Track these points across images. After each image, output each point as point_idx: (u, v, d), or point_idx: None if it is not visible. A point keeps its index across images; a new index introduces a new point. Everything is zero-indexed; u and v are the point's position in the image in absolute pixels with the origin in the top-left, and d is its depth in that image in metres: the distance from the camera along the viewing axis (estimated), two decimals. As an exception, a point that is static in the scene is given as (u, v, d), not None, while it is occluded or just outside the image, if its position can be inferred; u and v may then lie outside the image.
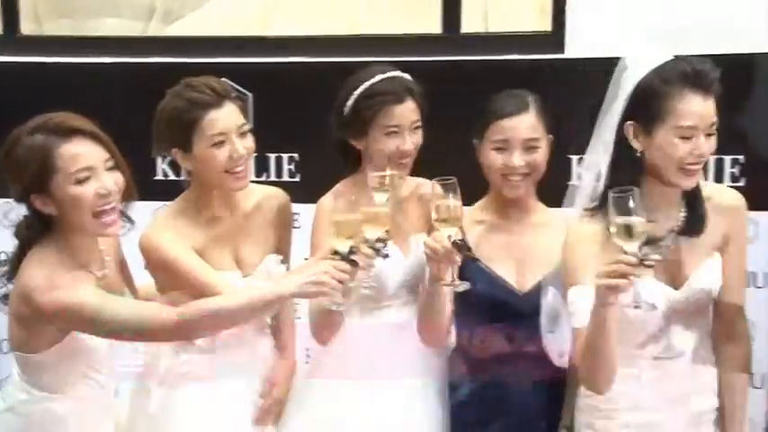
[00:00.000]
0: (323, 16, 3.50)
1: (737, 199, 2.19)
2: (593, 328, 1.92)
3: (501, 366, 2.37)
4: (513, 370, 2.37)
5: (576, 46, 3.10)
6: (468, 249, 2.22)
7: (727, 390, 2.18)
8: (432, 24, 3.17)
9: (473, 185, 2.32)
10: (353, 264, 2.09)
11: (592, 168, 2.19)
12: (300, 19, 3.46)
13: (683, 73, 2.01)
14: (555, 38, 3.15)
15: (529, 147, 2.32)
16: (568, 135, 2.82)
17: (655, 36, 2.96)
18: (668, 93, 2.00)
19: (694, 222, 2.10)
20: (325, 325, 2.34)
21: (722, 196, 2.16)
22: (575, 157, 3.00)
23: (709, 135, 2.02)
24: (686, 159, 2.00)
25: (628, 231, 1.83)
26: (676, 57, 2.05)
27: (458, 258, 2.14)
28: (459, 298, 2.26)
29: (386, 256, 2.18)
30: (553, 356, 2.29)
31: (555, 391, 2.39)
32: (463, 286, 2.20)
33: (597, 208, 2.08)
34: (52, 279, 2.01)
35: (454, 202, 2.14)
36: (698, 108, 1.99)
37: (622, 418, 2.15)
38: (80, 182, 2.02)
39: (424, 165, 2.40)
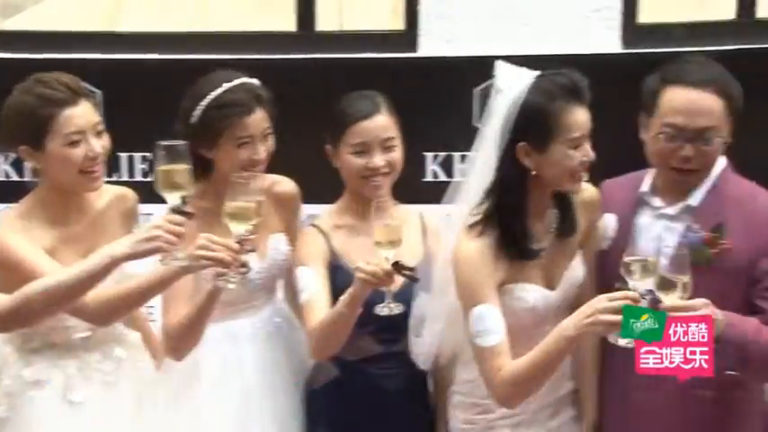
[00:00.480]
0: (175, 12, 3.47)
1: (595, 193, 2.32)
2: (550, 357, 2.01)
3: (370, 366, 2.42)
4: (382, 370, 2.42)
5: (430, 45, 3.14)
6: (410, 269, 2.23)
7: (583, 372, 2.32)
8: (286, 22, 3.17)
9: (327, 184, 2.35)
10: (187, 215, 2.09)
11: (471, 184, 2.25)
12: (152, 15, 3.42)
13: (565, 87, 2.10)
14: (408, 37, 3.19)
15: (387, 146, 2.36)
16: (423, 132, 2.89)
17: (506, 36, 3.11)
18: (556, 109, 2.08)
19: (569, 224, 2.21)
20: (183, 337, 2.32)
21: (582, 193, 2.28)
22: (429, 155, 3.07)
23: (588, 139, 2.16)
24: (579, 167, 2.10)
25: (644, 269, 1.99)
26: (544, 74, 2.14)
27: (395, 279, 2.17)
28: (335, 302, 2.28)
29: (251, 250, 2.19)
30: (418, 360, 2.34)
31: (422, 388, 2.46)
32: (398, 309, 2.23)
33: (484, 226, 2.15)
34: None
35: (394, 223, 2.17)
36: (583, 117, 2.10)
37: (500, 411, 2.25)
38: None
39: (278, 162, 2.41)
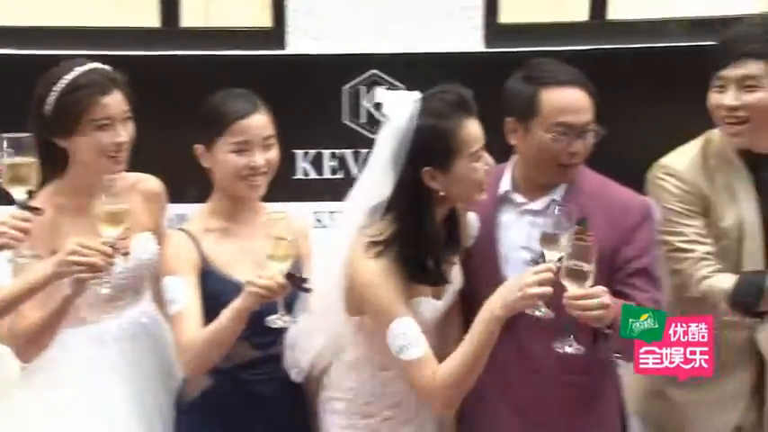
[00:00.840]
0: (34, 6, 3.35)
1: None
2: (482, 344, 2.02)
3: (244, 373, 2.39)
4: (258, 375, 2.39)
5: (298, 42, 3.12)
6: (304, 280, 2.22)
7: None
8: (150, 18, 3.10)
9: (193, 183, 2.33)
10: (34, 210, 2.05)
11: (357, 207, 2.23)
12: (9, 8, 3.28)
13: (454, 103, 2.12)
14: (276, 34, 3.17)
15: (266, 145, 2.34)
16: (292, 130, 2.84)
17: (373, 34, 3.14)
18: (452, 127, 2.10)
19: (456, 237, 2.26)
20: (35, 340, 2.25)
21: None
22: (299, 152, 3.08)
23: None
24: (484, 178, 2.14)
25: (558, 240, 2.09)
26: (428, 94, 2.15)
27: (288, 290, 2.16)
28: (205, 309, 2.25)
29: (125, 253, 2.15)
30: (291, 372, 2.33)
31: (301, 393, 2.44)
32: (292, 321, 2.22)
33: (384, 247, 2.14)
34: None
35: (291, 237, 2.15)
36: (477, 129, 2.12)
37: (385, 413, 2.28)
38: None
39: (143, 160, 2.37)
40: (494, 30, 3.20)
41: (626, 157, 2.64)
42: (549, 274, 2.04)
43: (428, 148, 2.11)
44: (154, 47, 2.94)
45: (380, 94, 2.29)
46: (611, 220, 2.33)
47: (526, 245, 2.32)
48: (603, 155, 2.30)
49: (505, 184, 2.34)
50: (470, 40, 3.12)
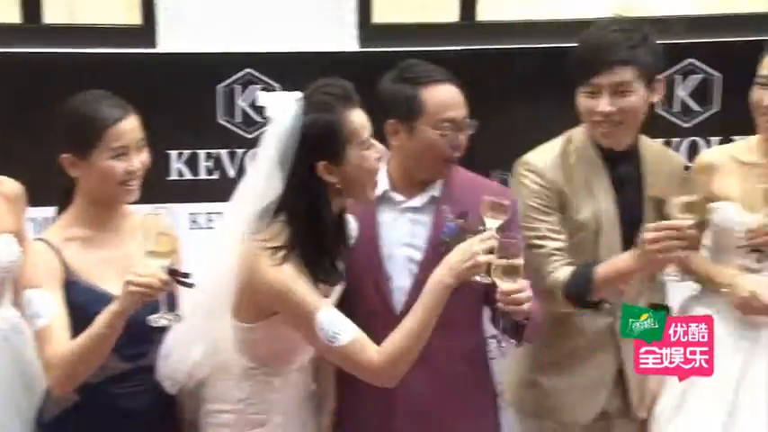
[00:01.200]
0: None
1: None
2: (431, 312, 2.09)
3: (113, 386, 2.32)
4: (128, 388, 2.33)
5: (169, 40, 3.08)
6: (185, 275, 2.18)
7: (323, 370, 2.47)
8: (11, 14, 3.00)
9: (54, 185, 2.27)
10: None
11: (242, 211, 2.22)
12: None
13: (338, 95, 2.14)
14: (146, 32, 3.11)
15: (139, 147, 2.31)
16: (166, 130, 2.85)
17: (247, 33, 3.11)
18: (340, 118, 2.11)
19: (345, 234, 2.30)
20: None
21: None
22: (173, 153, 3.03)
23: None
24: (376, 165, 2.17)
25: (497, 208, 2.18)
26: (312, 89, 2.17)
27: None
28: (73, 321, 2.19)
29: None
30: (165, 384, 2.30)
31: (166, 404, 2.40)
32: (177, 320, 2.18)
33: (288, 251, 2.12)
34: None
35: (173, 233, 2.14)
36: (364, 119, 2.15)
37: (276, 419, 2.28)
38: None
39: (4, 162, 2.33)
40: (367, 30, 3.23)
41: (493, 154, 2.71)
42: (495, 242, 2.12)
43: (319, 143, 2.11)
44: (15, 44, 2.84)
45: (262, 96, 2.29)
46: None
47: (409, 242, 2.36)
48: (471, 152, 2.37)
49: (383, 185, 2.36)
50: (344, 39, 3.15)
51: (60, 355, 2.13)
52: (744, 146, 2.77)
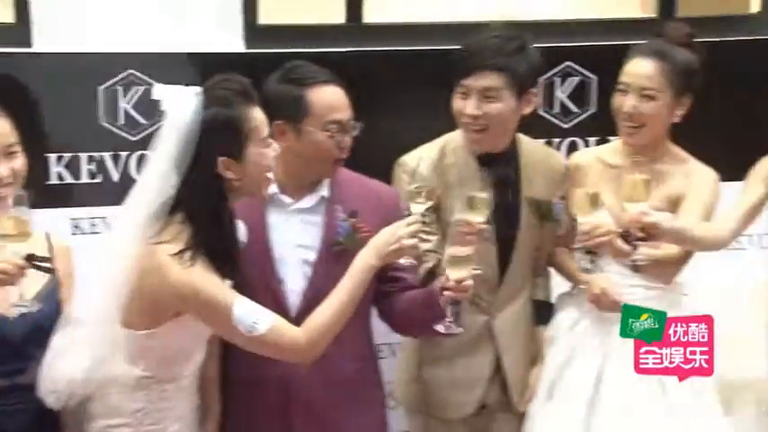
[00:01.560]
0: None
1: None
2: (355, 291, 2.20)
3: None
4: (5, 406, 2.27)
5: (46, 40, 2.99)
6: (46, 260, 2.20)
7: (207, 383, 2.52)
8: None
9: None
10: None
11: (137, 212, 2.19)
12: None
13: (238, 91, 2.15)
14: (20, 30, 3.01)
15: (9, 153, 2.24)
16: (44, 133, 2.84)
17: (130, 33, 3.06)
18: (240, 114, 2.12)
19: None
20: None
21: None
22: (53, 156, 2.98)
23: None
24: (272, 163, 2.18)
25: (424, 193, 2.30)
26: (211, 84, 2.18)
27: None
28: None
29: None
30: (48, 398, 2.23)
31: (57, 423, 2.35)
32: (35, 307, 2.20)
33: (193, 252, 2.13)
34: None
35: (23, 214, 2.11)
36: (262, 116, 2.16)
37: (172, 428, 2.28)
38: None
39: None
40: (253, 30, 3.23)
41: (378, 154, 2.78)
42: (419, 226, 2.24)
43: (221, 138, 2.12)
44: None
45: (158, 90, 2.24)
46: (373, 207, 2.47)
47: (301, 243, 2.40)
48: (357, 153, 2.43)
49: (272, 187, 2.38)
50: (230, 40, 3.15)
51: None
52: (610, 148, 2.94)
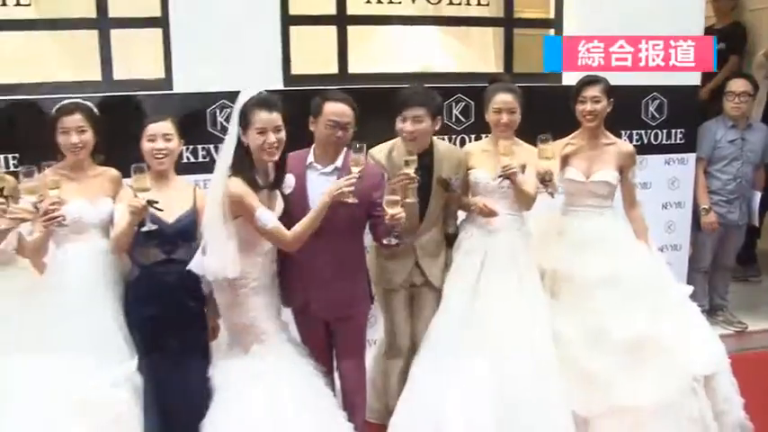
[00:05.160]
0: None
1: None
2: (319, 213, 2.98)
3: (157, 267, 3.23)
4: (164, 269, 3.22)
5: (181, 86, 4.03)
6: (156, 202, 2.97)
7: None
8: None
9: None
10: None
11: (221, 163, 3.13)
12: None
13: (257, 101, 3.04)
14: (167, 80, 4.04)
15: (167, 139, 3.22)
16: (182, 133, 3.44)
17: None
18: (251, 110, 3.04)
19: (280, 177, 3.24)
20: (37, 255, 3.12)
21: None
22: (187, 147, 3.81)
23: (277, 130, 3.08)
24: (266, 146, 3.05)
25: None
26: (256, 94, 3.04)
27: None
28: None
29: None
30: (207, 273, 3.13)
31: (195, 283, 3.23)
32: (153, 227, 3.02)
33: (240, 176, 2.99)
34: None
35: (145, 178, 2.92)
36: (265, 116, 3.03)
37: (252, 284, 3.21)
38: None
39: None
40: (288, 77, 4.21)
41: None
42: (355, 180, 2.98)
43: (240, 121, 3.05)
44: None
45: (241, 95, 3.08)
46: (367, 176, 3.22)
47: (322, 191, 3.15)
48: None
49: (310, 158, 3.31)
50: (274, 83, 4.07)
51: (113, 237, 3.15)
52: (484, 141, 3.91)
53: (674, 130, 4.91)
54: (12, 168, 3.89)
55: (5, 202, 2.83)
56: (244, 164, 3.10)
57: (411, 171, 3.15)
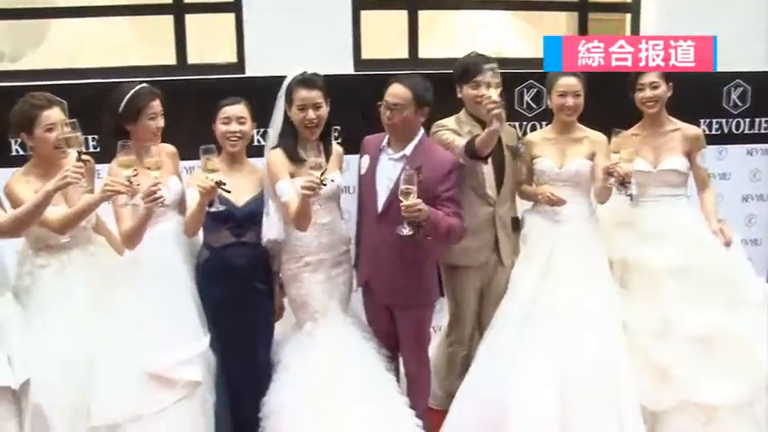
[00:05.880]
0: None
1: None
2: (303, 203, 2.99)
3: (226, 251, 3.34)
4: (234, 252, 3.32)
5: (252, 70, 4.16)
6: (224, 183, 3.07)
7: None
8: None
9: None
10: (84, 162, 2.95)
11: (273, 131, 3.36)
12: None
13: (298, 78, 3.26)
14: (239, 65, 4.22)
15: (241, 122, 3.32)
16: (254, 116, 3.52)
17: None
18: (293, 88, 3.26)
19: (327, 154, 3.24)
20: (135, 237, 3.23)
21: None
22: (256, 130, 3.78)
23: (316, 107, 3.26)
24: (305, 122, 3.26)
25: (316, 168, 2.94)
26: (302, 72, 3.25)
27: None
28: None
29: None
30: (271, 233, 3.31)
31: (264, 264, 3.38)
32: (222, 207, 3.11)
33: (282, 148, 3.23)
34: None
35: (214, 159, 3.06)
36: (305, 94, 3.24)
37: (303, 260, 3.35)
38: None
39: None
40: (358, 62, 4.29)
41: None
42: (314, 178, 2.99)
43: (287, 97, 3.28)
44: None
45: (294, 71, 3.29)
46: (433, 169, 3.24)
47: (389, 176, 3.31)
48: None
49: (384, 142, 3.38)
50: (346, 68, 4.23)
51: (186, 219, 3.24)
52: (545, 129, 3.89)
53: (757, 119, 4.76)
54: (91, 149, 4.05)
55: (83, 165, 2.94)
56: (287, 137, 3.32)
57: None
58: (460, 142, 3.45)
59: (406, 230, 3.08)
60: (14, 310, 3.23)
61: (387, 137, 3.41)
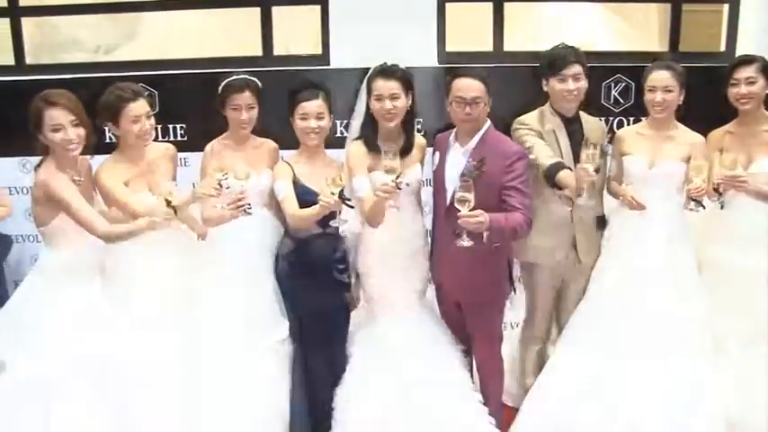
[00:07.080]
0: None
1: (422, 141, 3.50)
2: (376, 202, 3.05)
3: (311, 241, 3.35)
4: (317, 242, 3.34)
5: (336, 62, 4.21)
6: (348, 199, 3.07)
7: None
8: None
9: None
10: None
11: (356, 122, 3.55)
12: None
13: (378, 69, 3.27)
14: (324, 57, 4.26)
15: (320, 117, 3.32)
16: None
17: None
18: (372, 79, 3.27)
19: (408, 145, 3.37)
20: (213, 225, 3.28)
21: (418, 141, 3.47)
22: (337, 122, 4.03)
23: (393, 98, 3.23)
24: (382, 112, 3.25)
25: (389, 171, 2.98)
26: (382, 64, 3.26)
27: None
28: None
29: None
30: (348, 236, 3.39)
31: (342, 254, 3.38)
32: (343, 224, 3.16)
33: (362, 139, 3.28)
34: (47, 173, 3.00)
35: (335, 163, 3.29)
36: (382, 84, 3.24)
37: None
38: (55, 130, 3.01)
39: None
40: (442, 54, 4.26)
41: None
42: (391, 190, 3.04)
43: (367, 89, 3.30)
44: None
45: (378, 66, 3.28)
46: (499, 161, 3.18)
47: (457, 169, 3.26)
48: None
49: (451, 138, 3.34)
50: (431, 61, 4.22)
51: (295, 215, 3.21)
52: (639, 125, 3.68)
53: None
54: (179, 138, 4.20)
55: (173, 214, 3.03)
56: (366, 128, 3.35)
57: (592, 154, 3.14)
58: (538, 153, 3.39)
59: (466, 242, 3.01)
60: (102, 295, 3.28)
61: (454, 131, 3.38)
